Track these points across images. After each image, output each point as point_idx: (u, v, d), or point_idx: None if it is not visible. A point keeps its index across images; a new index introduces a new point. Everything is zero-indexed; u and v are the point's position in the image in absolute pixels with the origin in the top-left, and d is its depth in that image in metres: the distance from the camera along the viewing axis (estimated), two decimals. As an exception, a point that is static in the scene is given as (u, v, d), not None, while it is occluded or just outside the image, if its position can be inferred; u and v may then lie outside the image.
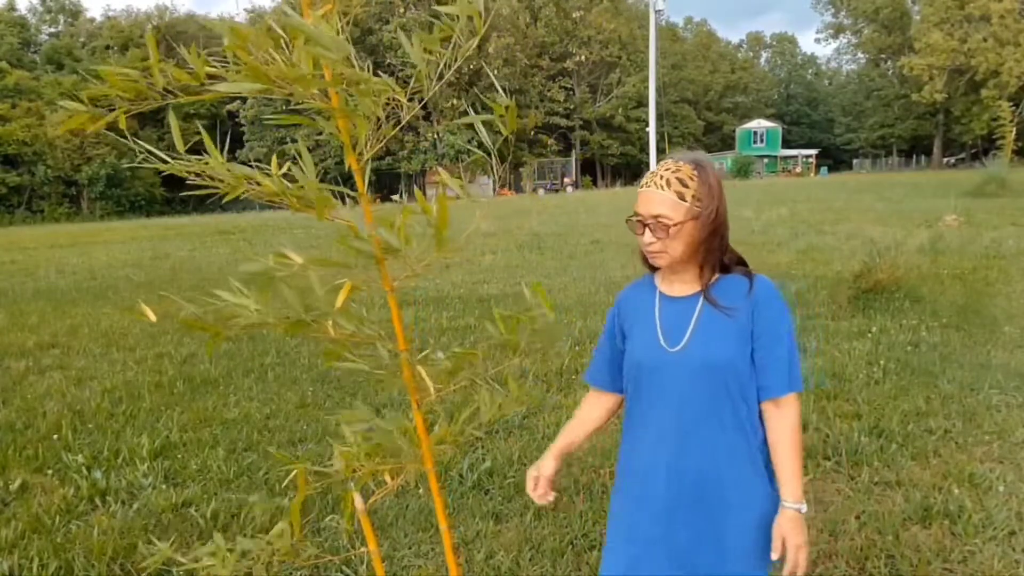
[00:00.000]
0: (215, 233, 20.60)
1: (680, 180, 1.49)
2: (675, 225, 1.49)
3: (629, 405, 1.68)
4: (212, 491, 3.47)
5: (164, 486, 3.59)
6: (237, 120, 52.30)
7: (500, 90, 1.05)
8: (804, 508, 1.51)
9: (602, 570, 1.70)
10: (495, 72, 49.66)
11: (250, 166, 1.02)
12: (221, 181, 0.97)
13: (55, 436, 4.29)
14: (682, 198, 1.48)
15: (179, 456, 3.96)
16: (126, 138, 0.99)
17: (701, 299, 1.57)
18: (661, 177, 1.50)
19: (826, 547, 2.80)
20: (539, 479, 1.68)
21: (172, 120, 0.96)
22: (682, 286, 1.60)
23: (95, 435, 4.32)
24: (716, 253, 1.56)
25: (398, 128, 1.06)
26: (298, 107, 0.99)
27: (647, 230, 1.52)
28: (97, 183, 46.94)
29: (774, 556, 1.51)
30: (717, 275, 1.59)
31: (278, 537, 1.13)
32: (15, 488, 3.60)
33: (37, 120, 45.22)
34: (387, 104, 1.01)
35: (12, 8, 57.25)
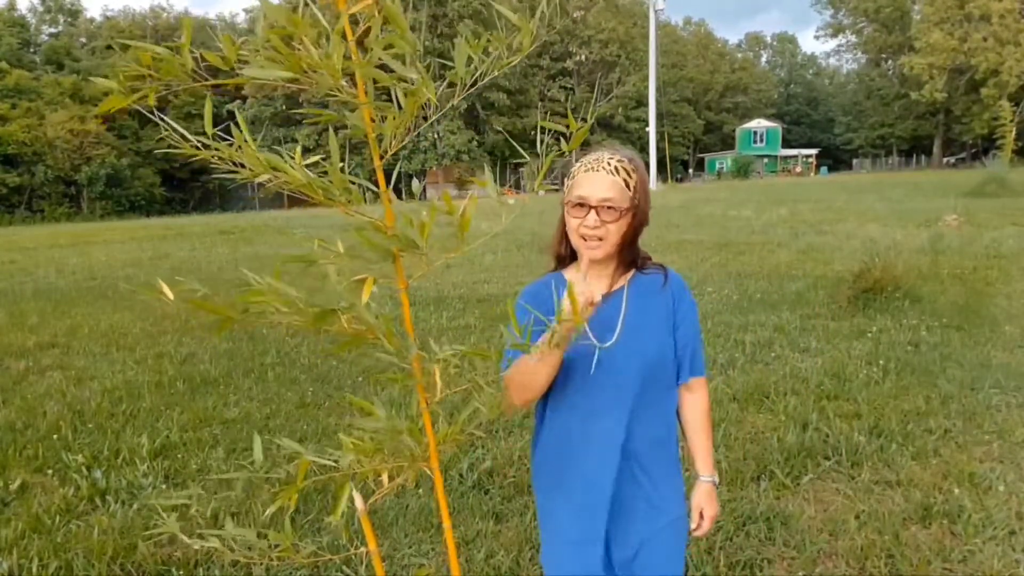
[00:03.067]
0: (215, 233, 20.60)
1: (626, 170, 1.51)
2: (624, 211, 1.51)
3: (553, 403, 1.62)
4: (212, 491, 3.47)
5: (164, 486, 3.59)
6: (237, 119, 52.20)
7: (591, 118, 1.03)
8: (716, 480, 1.70)
9: (556, 570, 1.67)
10: (495, 71, 49.51)
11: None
12: (243, 167, 0.95)
13: (55, 436, 4.29)
14: (627, 187, 1.51)
15: (179, 456, 3.96)
16: (145, 126, 0.99)
17: (625, 294, 1.59)
18: (608, 163, 1.51)
19: (826, 547, 2.80)
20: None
21: (208, 104, 0.95)
22: (601, 282, 1.58)
23: (95, 435, 4.32)
24: (635, 250, 1.60)
25: (424, 126, 1.05)
26: (310, 101, 0.99)
27: (592, 213, 1.49)
28: (97, 183, 46.90)
29: (693, 526, 1.65)
30: (634, 272, 1.62)
31: (278, 534, 1.14)
32: (15, 488, 3.60)
33: (37, 120, 45.20)
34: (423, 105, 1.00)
35: (12, 8, 57.25)
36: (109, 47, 54.77)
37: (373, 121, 1.00)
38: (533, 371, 1.45)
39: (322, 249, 0.97)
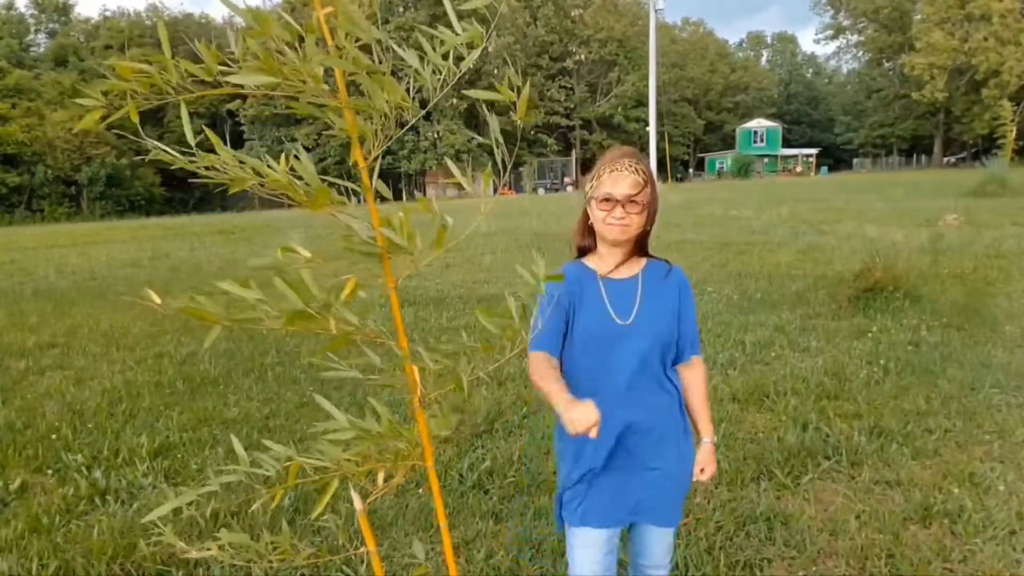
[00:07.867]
0: (215, 233, 20.60)
1: (645, 172, 1.78)
2: (643, 205, 1.76)
3: (576, 372, 1.80)
4: (212, 491, 3.46)
5: (164, 486, 3.59)
6: (237, 119, 52.29)
7: (514, 73, 1.03)
8: (715, 440, 2.01)
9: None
10: (495, 71, 49.59)
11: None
12: (227, 174, 0.97)
13: (55, 436, 4.29)
14: (646, 186, 1.77)
15: (179, 456, 3.96)
16: (137, 134, 0.99)
17: (640, 279, 1.85)
18: (631, 165, 1.76)
19: (826, 547, 2.80)
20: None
21: (184, 114, 0.97)
22: (619, 268, 1.85)
23: (95, 435, 4.32)
24: (645, 240, 1.87)
25: (406, 129, 1.06)
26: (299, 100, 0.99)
27: (619, 207, 1.74)
28: (97, 183, 46.84)
29: (699, 478, 1.94)
30: (645, 261, 1.88)
31: (276, 537, 1.13)
32: (15, 488, 3.60)
33: (37, 120, 45.15)
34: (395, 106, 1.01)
35: (11, 8, 57.19)
36: (108, 47, 54.72)
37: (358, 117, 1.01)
38: (539, 385, 1.69)
39: (287, 255, 0.99)
